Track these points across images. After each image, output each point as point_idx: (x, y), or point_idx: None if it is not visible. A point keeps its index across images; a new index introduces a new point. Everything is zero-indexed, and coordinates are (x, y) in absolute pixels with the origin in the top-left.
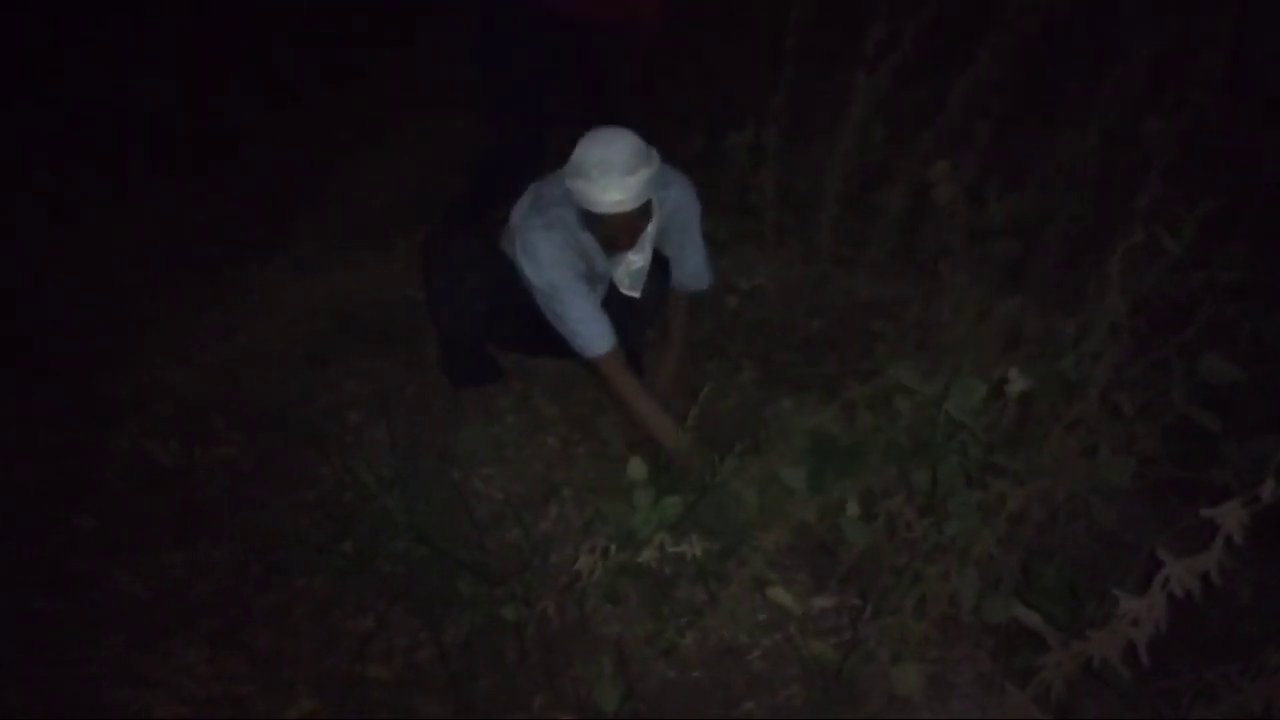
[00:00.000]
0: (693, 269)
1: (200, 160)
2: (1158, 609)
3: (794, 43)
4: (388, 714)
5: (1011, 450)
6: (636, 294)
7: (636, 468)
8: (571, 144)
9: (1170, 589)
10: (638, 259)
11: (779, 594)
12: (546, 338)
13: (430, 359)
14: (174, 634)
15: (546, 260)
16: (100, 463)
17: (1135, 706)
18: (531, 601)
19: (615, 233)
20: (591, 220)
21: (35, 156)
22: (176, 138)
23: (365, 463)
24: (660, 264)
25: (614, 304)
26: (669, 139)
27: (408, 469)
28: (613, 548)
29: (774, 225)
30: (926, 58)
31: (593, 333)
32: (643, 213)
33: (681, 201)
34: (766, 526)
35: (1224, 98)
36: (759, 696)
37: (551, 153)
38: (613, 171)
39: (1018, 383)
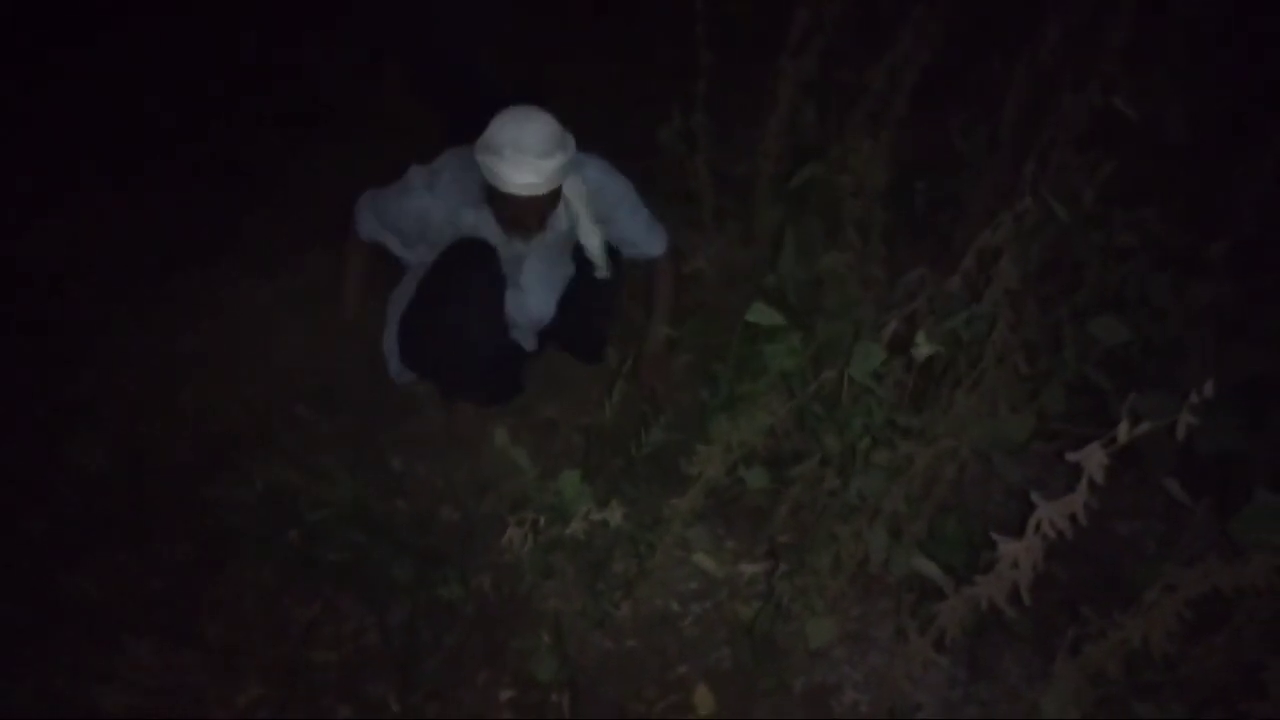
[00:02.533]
0: (637, 238)
1: (142, 162)
2: (1034, 550)
3: (714, 29)
4: (335, 697)
5: (916, 410)
6: (606, 273)
7: (501, 437)
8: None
9: (1043, 530)
10: (594, 242)
11: (704, 560)
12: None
13: (377, 350)
14: (125, 630)
15: (406, 202)
16: (49, 467)
17: (1018, 640)
18: (469, 581)
19: (520, 214)
20: (497, 199)
21: None
22: (117, 140)
23: (312, 454)
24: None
25: (578, 302)
26: (605, 128)
27: (352, 458)
28: (541, 520)
29: (711, 210)
30: (852, 40)
31: (369, 223)
32: (552, 198)
33: (601, 180)
34: (683, 492)
35: (1131, 69)
36: (691, 660)
37: None
38: (527, 153)
39: (923, 345)
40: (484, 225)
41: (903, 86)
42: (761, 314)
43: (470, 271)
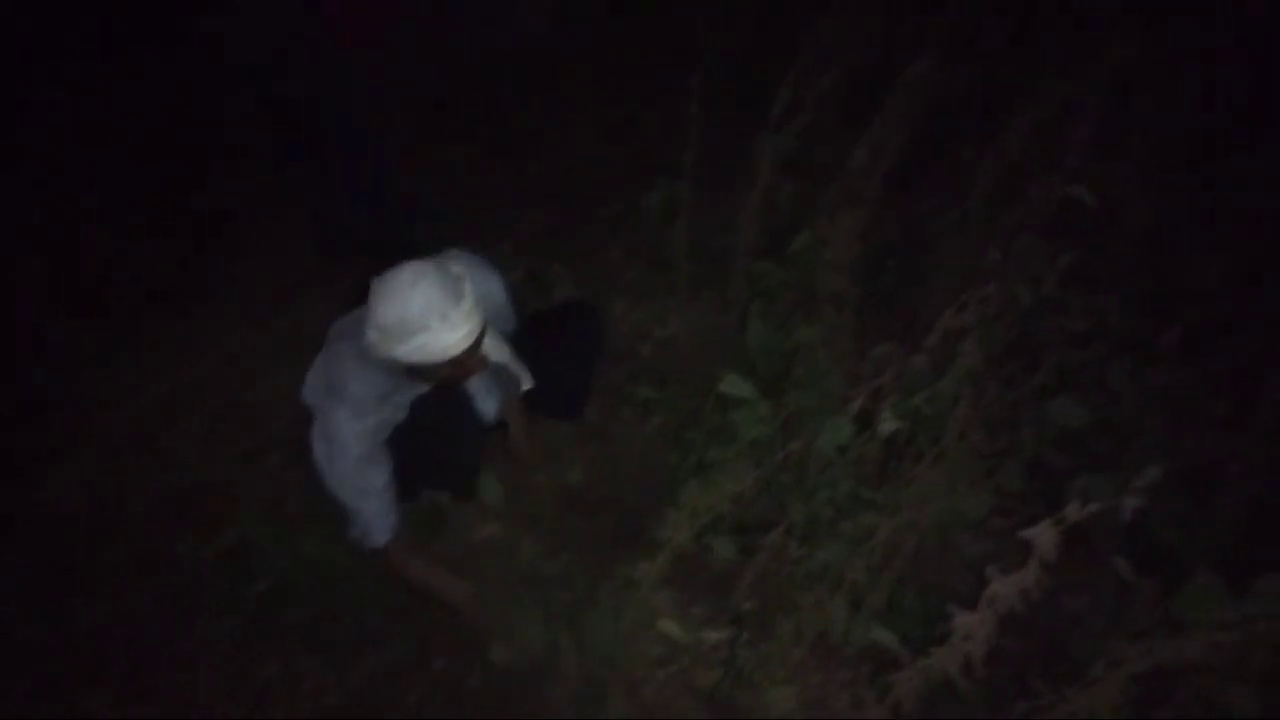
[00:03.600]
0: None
1: (131, 203)
2: (987, 623)
3: (698, 105)
4: None
5: (878, 484)
6: (530, 381)
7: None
8: None
9: (996, 605)
10: (503, 356)
11: (669, 625)
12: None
13: None
14: (81, 681)
15: (353, 451)
16: (15, 513)
17: (973, 713)
18: (432, 639)
19: (466, 367)
20: (437, 369)
21: None
22: (107, 179)
23: (281, 506)
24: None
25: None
26: (591, 193)
27: (320, 510)
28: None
29: (688, 277)
30: (830, 121)
31: (383, 524)
32: (485, 326)
33: (487, 284)
34: (651, 556)
35: (1095, 161)
36: None
37: None
38: (448, 306)
39: (887, 423)
40: (415, 394)
41: (879, 168)
42: (733, 385)
43: (437, 430)
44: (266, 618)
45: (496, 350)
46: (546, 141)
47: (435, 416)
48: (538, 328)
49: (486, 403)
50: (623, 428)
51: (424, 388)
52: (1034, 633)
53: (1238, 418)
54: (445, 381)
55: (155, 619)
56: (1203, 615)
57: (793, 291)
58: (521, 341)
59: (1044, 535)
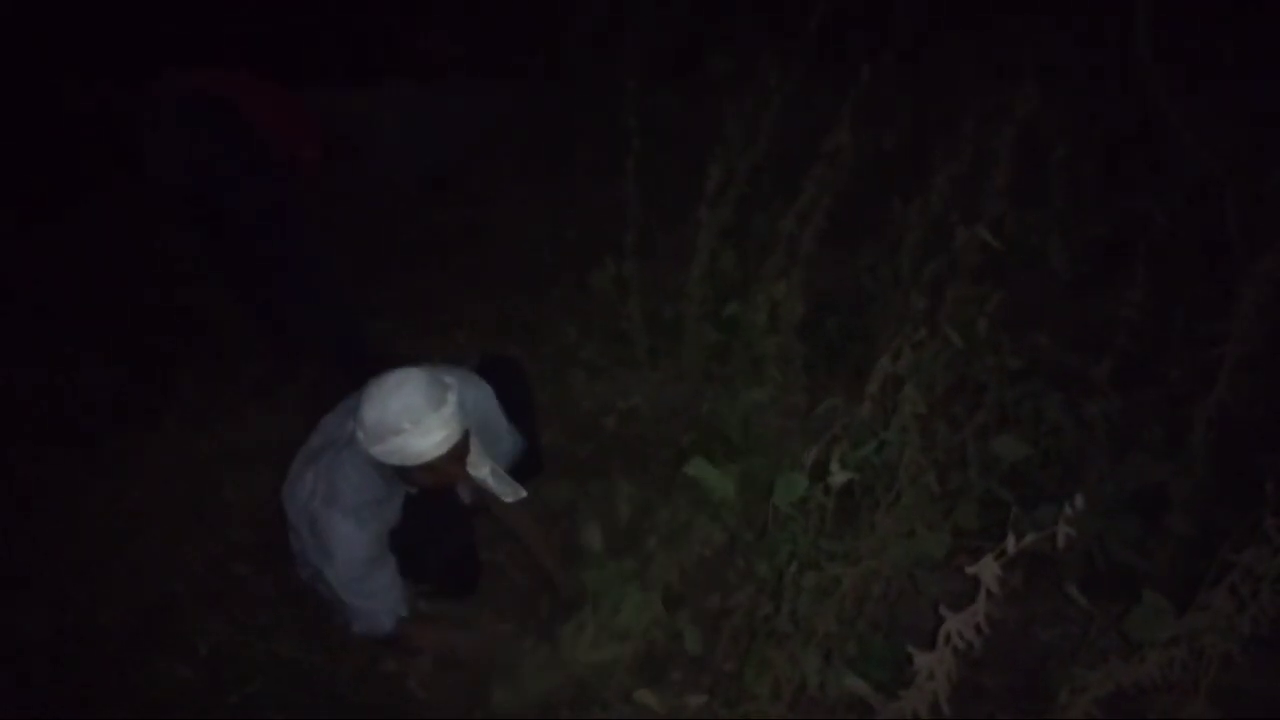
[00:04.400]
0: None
1: (80, 317)
2: (947, 661)
3: (634, 184)
4: None
5: (839, 534)
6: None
7: None
8: None
9: (954, 641)
10: (484, 472)
11: (646, 697)
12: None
13: None
14: None
15: (360, 556)
16: None
17: None
18: None
19: (446, 472)
20: (416, 474)
21: None
22: (53, 293)
23: (252, 614)
24: None
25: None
26: (540, 275)
27: (293, 617)
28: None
29: (645, 349)
30: (763, 189)
31: (390, 614)
32: (465, 440)
33: (478, 400)
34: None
35: (1015, 205)
36: None
37: None
38: (424, 411)
39: (838, 475)
40: (397, 503)
41: (810, 229)
42: (700, 469)
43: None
44: None
45: (478, 465)
46: (492, 233)
47: (423, 514)
48: None
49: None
50: (592, 502)
51: (413, 490)
52: (1008, 667)
53: (1173, 441)
54: (428, 487)
55: None
56: (1153, 634)
57: (740, 355)
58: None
59: (988, 568)
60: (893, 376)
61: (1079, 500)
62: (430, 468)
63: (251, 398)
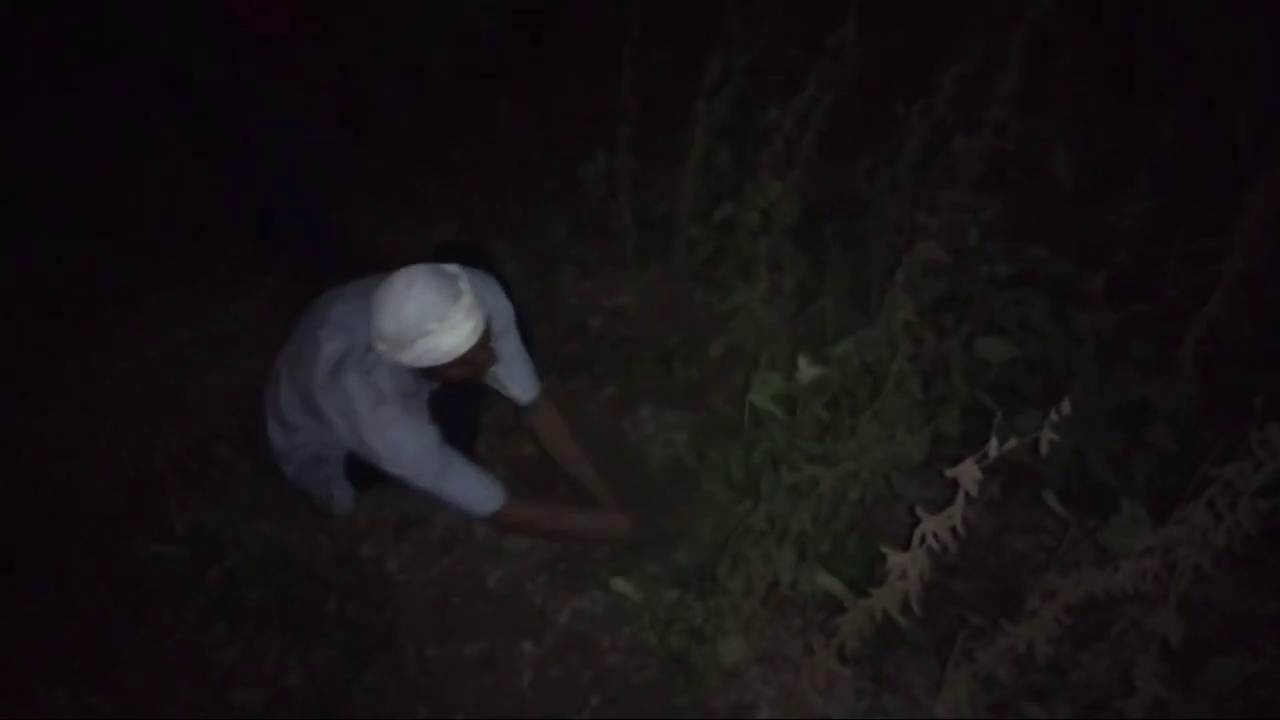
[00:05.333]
0: (520, 376)
1: (67, 200)
2: (920, 561)
3: (630, 75)
4: None
5: (819, 436)
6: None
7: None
8: None
9: (928, 543)
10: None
11: (623, 585)
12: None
13: None
14: (38, 677)
15: (429, 441)
16: None
17: (920, 652)
18: (399, 616)
19: (476, 363)
20: (446, 370)
21: None
22: (43, 175)
23: (232, 494)
24: None
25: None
26: (531, 171)
27: (273, 498)
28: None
29: (635, 247)
30: (762, 86)
31: (487, 488)
32: (489, 323)
33: (495, 306)
34: None
35: (1021, 116)
36: (611, 685)
37: None
38: (445, 307)
39: (806, 371)
40: (433, 387)
41: (810, 130)
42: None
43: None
44: (224, 604)
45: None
46: (480, 124)
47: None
48: None
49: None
50: (577, 399)
51: (436, 385)
52: (980, 574)
53: (1162, 356)
54: (460, 380)
55: (111, 612)
56: (1128, 545)
57: (732, 256)
58: None
59: (967, 472)
60: (884, 280)
61: (1065, 407)
62: (463, 361)
63: (232, 283)
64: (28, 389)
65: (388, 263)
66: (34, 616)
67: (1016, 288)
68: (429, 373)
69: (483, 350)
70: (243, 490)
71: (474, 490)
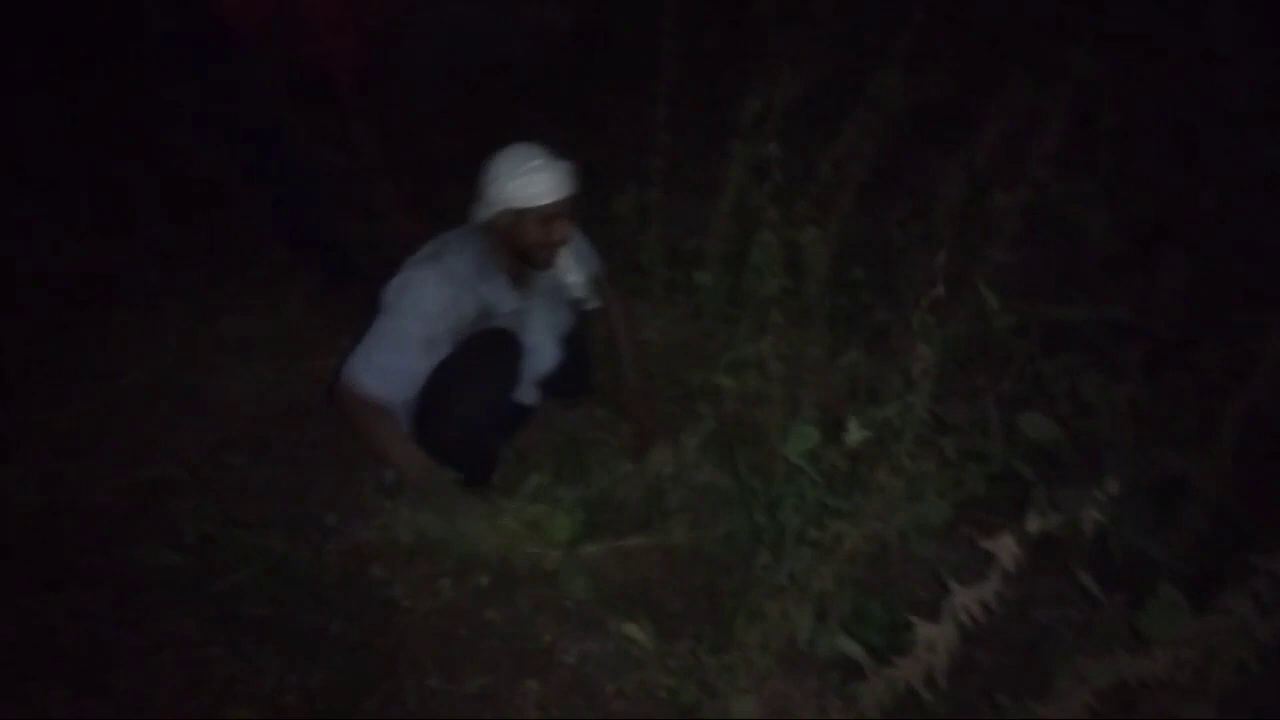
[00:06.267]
0: (586, 256)
1: (91, 198)
2: (949, 634)
3: (664, 109)
4: None
5: (846, 492)
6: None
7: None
8: None
9: (958, 615)
10: (577, 277)
11: (633, 630)
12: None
13: (314, 397)
14: (35, 678)
15: (427, 307)
16: None
17: None
18: (402, 644)
19: (554, 226)
20: (529, 226)
21: None
22: (66, 173)
23: (241, 505)
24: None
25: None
26: None
27: (283, 511)
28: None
29: (662, 282)
30: (799, 127)
31: (383, 379)
32: (575, 203)
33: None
34: None
35: (1061, 173)
36: None
37: None
38: (544, 160)
39: (855, 433)
40: (497, 294)
41: (848, 179)
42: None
43: (489, 359)
44: (227, 616)
45: (572, 269)
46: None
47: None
48: None
49: (547, 348)
50: (593, 429)
51: (503, 290)
52: (1003, 645)
53: (1202, 434)
54: (533, 252)
55: (113, 617)
56: (1166, 631)
57: (760, 298)
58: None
59: (1005, 545)
60: (913, 335)
61: (1112, 486)
62: (545, 216)
63: (258, 291)
64: (46, 383)
65: None
66: (34, 613)
67: (1058, 354)
68: (508, 235)
69: (564, 220)
70: (254, 502)
71: (377, 365)
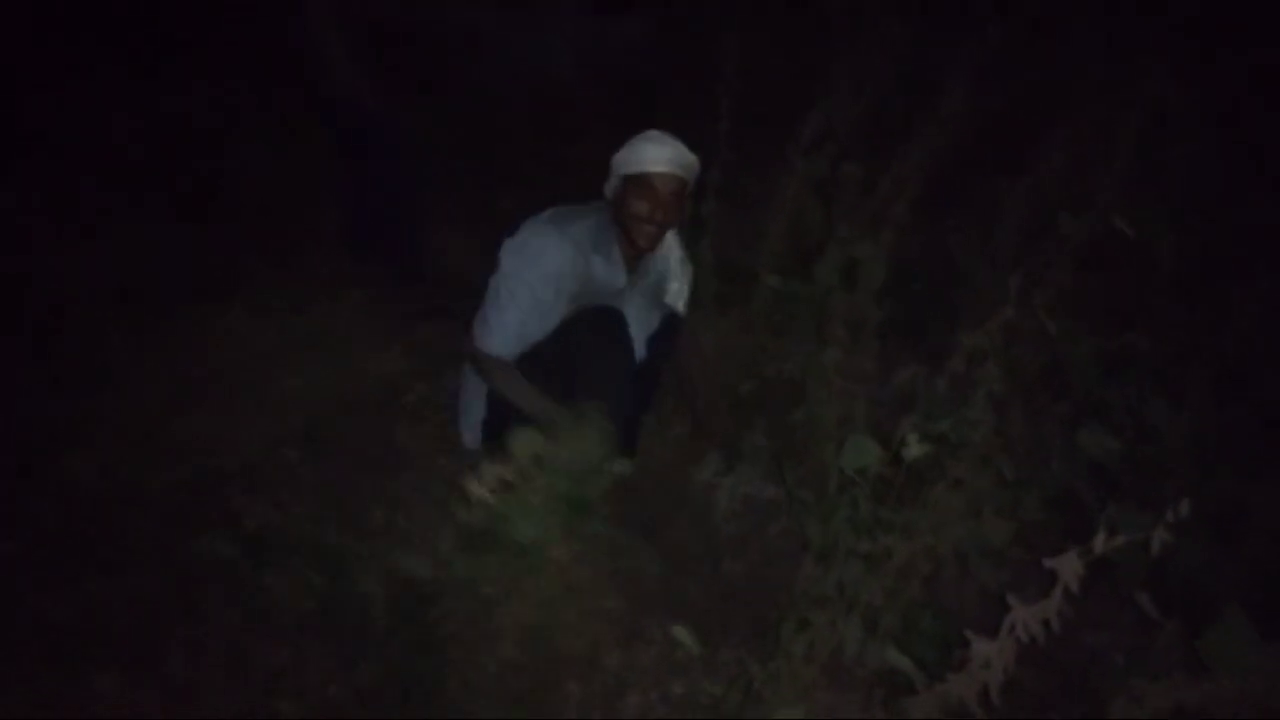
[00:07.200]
0: (683, 278)
1: (162, 195)
2: (1006, 652)
3: (727, 123)
4: None
5: (900, 507)
6: (680, 307)
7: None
8: None
9: (1017, 634)
10: (680, 285)
11: (683, 634)
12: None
13: (369, 396)
14: (88, 660)
15: (547, 266)
16: (31, 488)
17: None
18: (446, 644)
19: (663, 204)
20: (630, 195)
21: None
22: (141, 170)
23: (295, 500)
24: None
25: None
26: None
27: (335, 507)
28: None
29: (714, 294)
30: (860, 143)
31: (509, 337)
32: (681, 191)
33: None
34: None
35: (1128, 198)
36: None
37: None
38: (664, 138)
39: (914, 447)
40: (607, 269)
41: (906, 193)
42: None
43: (616, 334)
44: (278, 609)
45: (678, 275)
46: (577, 164)
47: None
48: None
49: (636, 341)
50: (645, 437)
51: (618, 267)
52: (1052, 666)
53: (1265, 463)
54: (633, 225)
55: (168, 603)
56: (1229, 657)
57: (815, 312)
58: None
59: (1068, 566)
60: (977, 353)
61: (1184, 509)
62: (653, 186)
63: (323, 290)
64: (112, 371)
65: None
66: (89, 596)
67: (1121, 377)
68: (621, 202)
69: (674, 198)
70: (307, 496)
71: (502, 328)
